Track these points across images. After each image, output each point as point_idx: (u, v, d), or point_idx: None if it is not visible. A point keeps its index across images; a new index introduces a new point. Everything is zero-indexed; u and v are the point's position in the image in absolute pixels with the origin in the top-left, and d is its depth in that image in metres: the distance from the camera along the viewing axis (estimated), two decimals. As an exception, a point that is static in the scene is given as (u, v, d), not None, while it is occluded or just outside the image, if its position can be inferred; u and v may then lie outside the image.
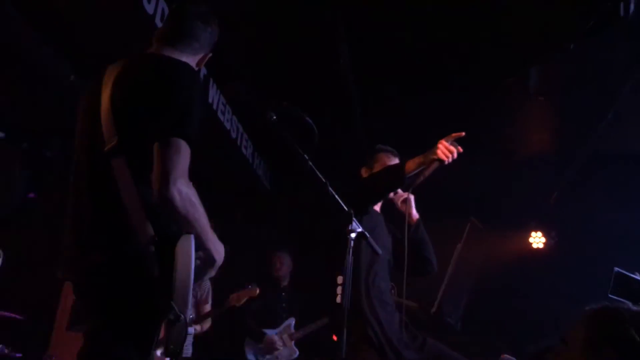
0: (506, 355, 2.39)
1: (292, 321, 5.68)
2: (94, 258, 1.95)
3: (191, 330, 1.77)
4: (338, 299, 2.47)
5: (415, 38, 4.28)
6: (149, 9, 3.66)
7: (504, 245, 7.38)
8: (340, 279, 2.51)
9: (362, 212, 3.00)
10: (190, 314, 1.85)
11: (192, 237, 1.90)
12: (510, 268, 7.14)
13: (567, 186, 6.61)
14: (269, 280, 5.86)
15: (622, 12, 3.13)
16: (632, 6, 3.08)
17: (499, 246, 7.22)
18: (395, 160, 3.40)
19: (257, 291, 5.13)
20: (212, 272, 2.06)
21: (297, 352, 5.58)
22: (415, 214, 3.41)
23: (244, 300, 5.11)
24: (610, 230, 6.59)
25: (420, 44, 4.34)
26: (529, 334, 6.59)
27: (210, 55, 2.38)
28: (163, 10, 3.83)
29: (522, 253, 7.45)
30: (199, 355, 5.08)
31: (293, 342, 5.57)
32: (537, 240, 7.48)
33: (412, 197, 3.35)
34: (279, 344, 5.44)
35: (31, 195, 5.33)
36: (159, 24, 3.72)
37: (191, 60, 2.25)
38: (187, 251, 1.86)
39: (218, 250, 2.03)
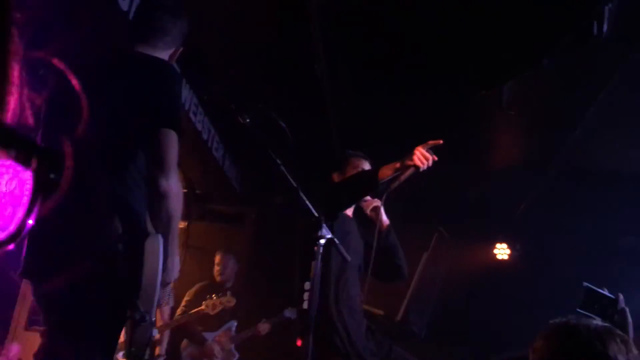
0: None
1: (233, 324, 5.53)
2: (59, 256, 1.91)
3: (155, 332, 1.74)
4: (305, 305, 2.46)
5: (392, 43, 4.28)
6: (124, 5, 3.59)
7: (469, 255, 7.45)
8: (307, 285, 2.50)
9: (332, 216, 2.99)
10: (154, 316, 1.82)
11: (160, 237, 1.89)
12: (475, 278, 7.22)
13: (535, 199, 6.71)
14: (212, 282, 5.71)
15: (595, 31, 3.20)
16: (605, 26, 3.15)
17: (464, 256, 7.29)
18: (367, 165, 3.39)
19: (233, 301, 5.15)
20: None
21: (237, 356, 5.45)
22: (385, 220, 3.40)
23: (219, 309, 5.11)
24: (576, 243, 6.72)
25: (396, 51, 4.35)
26: (493, 344, 6.68)
27: (181, 49, 2.36)
28: (138, 6, 3.77)
29: (486, 264, 7.54)
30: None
31: (233, 345, 5.43)
32: (501, 251, 7.57)
33: (380, 204, 3.33)
34: (217, 351, 5.29)
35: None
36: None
37: (164, 55, 2.25)
38: (155, 251, 1.85)
39: (174, 268, 2.04)
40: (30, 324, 5.20)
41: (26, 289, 5.12)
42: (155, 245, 1.86)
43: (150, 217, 1.96)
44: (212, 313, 5.09)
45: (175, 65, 2.41)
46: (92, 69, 2.09)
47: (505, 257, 7.55)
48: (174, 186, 1.93)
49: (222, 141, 5.94)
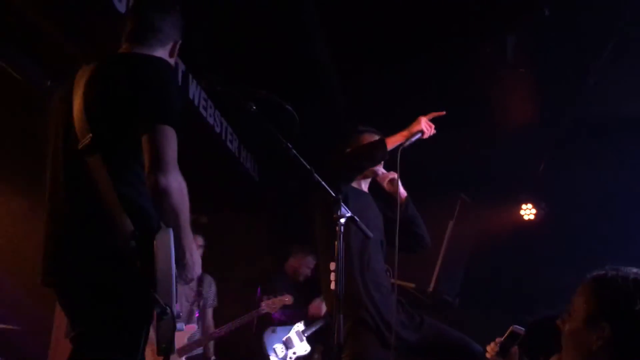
0: (516, 326, 2.39)
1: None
2: (74, 258, 1.93)
3: (180, 326, 1.78)
4: (332, 286, 2.47)
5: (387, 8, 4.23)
6: (120, 7, 3.60)
7: (495, 219, 7.40)
8: (332, 266, 2.51)
9: (344, 184, 3.02)
10: (179, 310, 1.83)
11: (170, 230, 1.89)
12: (503, 241, 7.17)
13: (554, 155, 6.62)
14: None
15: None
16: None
17: (490, 220, 7.24)
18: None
19: (291, 299, 5.14)
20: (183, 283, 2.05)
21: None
22: (403, 191, 3.39)
23: (278, 307, 5.11)
24: (600, 196, 6.63)
25: (392, 15, 4.29)
26: (527, 305, 6.65)
27: (181, 42, 2.35)
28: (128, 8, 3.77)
29: (514, 226, 7.48)
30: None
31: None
32: (527, 212, 7.51)
33: (397, 176, 3.33)
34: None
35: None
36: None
37: (162, 52, 2.25)
38: (166, 244, 1.84)
39: (195, 264, 2.03)
40: (68, 334, 5.30)
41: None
42: (165, 238, 1.85)
43: (160, 215, 1.95)
44: (271, 312, 5.16)
45: (175, 59, 2.39)
46: (88, 73, 2.10)
47: (532, 217, 7.49)
48: (173, 182, 1.88)
49: (236, 133, 5.95)
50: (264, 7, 4.18)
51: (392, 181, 3.36)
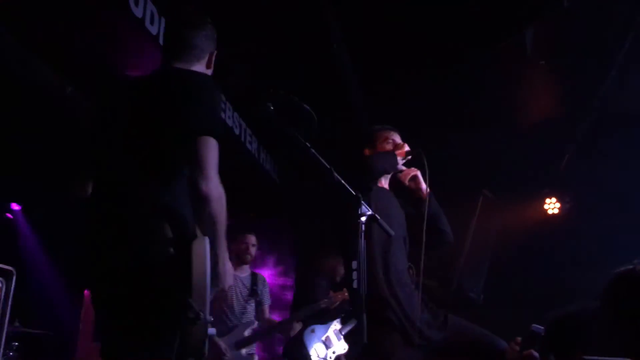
0: (535, 326, 2.36)
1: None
2: (114, 262, 1.98)
3: (212, 331, 1.85)
4: (354, 284, 2.46)
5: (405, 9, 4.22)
6: (137, 12, 3.63)
7: (519, 214, 7.33)
8: (355, 264, 2.50)
9: (366, 188, 3.01)
10: (211, 316, 1.90)
11: (206, 239, 1.97)
12: (527, 236, 7.10)
13: (577, 149, 6.54)
14: None
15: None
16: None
17: (514, 216, 7.18)
18: (396, 136, 3.38)
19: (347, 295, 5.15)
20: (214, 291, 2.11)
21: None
22: (425, 187, 3.38)
23: (338, 303, 5.15)
24: (624, 189, 6.52)
25: (409, 15, 4.28)
26: (552, 301, 6.56)
27: (216, 52, 2.44)
28: (152, 12, 3.81)
29: (538, 220, 7.40)
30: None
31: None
32: (552, 206, 7.42)
33: (418, 172, 3.33)
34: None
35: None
36: (149, 27, 3.72)
37: (200, 66, 2.36)
38: (202, 252, 1.92)
39: (226, 273, 2.13)
40: (96, 338, 5.36)
41: (90, 301, 5.27)
42: (202, 246, 1.93)
43: (197, 223, 2.05)
44: (331, 307, 5.18)
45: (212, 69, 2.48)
46: (133, 85, 2.25)
47: (556, 211, 7.40)
48: (214, 190, 2.01)
49: (255, 134, 5.97)
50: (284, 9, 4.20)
51: (414, 178, 3.35)
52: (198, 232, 2.02)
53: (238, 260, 5.02)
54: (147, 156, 2.06)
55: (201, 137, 2.04)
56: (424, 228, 3.04)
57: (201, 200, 1.99)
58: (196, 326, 1.86)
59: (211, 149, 2.05)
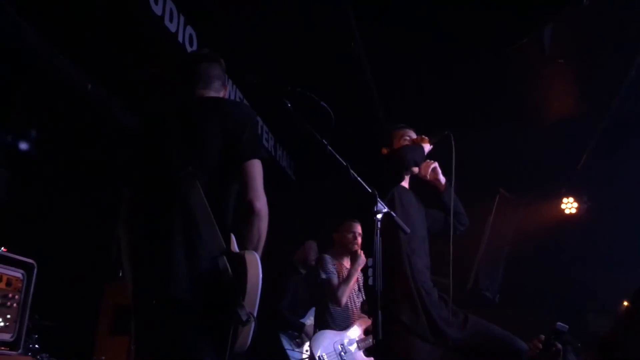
0: (560, 323, 2.36)
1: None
2: (176, 270, 2.13)
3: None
4: (370, 281, 2.48)
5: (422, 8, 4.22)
6: (157, 10, 3.68)
7: (535, 213, 7.29)
8: (370, 261, 2.52)
9: (388, 191, 3.02)
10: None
11: (254, 252, 2.16)
12: (546, 236, 7.05)
13: (595, 148, 6.48)
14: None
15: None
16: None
17: (530, 215, 7.14)
18: (412, 134, 3.40)
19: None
20: None
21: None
22: (443, 178, 3.44)
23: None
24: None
25: (429, 13, 4.28)
26: (567, 302, 6.53)
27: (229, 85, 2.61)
28: (171, 10, 3.85)
29: (555, 220, 7.35)
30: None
31: None
32: (569, 205, 7.37)
33: (437, 164, 3.37)
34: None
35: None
36: (168, 25, 3.77)
37: (223, 92, 2.60)
38: (256, 263, 2.10)
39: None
40: (113, 332, 5.41)
41: (109, 295, 5.32)
42: (254, 257, 2.12)
43: (240, 238, 2.23)
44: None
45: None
46: (181, 111, 2.43)
47: (574, 210, 7.35)
48: (264, 207, 2.23)
49: (272, 131, 5.99)
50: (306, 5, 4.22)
51: (434, 169, 3.40)
52: (233, 244, 2.22)
53: (344, 251, 4.55)
54: (202, 175, 2.23)
55: (252, 160, 2.28)
56: (451, 223, 3.18)
57: (253, 216, 2.20)
58: (246, 326, 2.03)
59: (259, 170, 2.29)
